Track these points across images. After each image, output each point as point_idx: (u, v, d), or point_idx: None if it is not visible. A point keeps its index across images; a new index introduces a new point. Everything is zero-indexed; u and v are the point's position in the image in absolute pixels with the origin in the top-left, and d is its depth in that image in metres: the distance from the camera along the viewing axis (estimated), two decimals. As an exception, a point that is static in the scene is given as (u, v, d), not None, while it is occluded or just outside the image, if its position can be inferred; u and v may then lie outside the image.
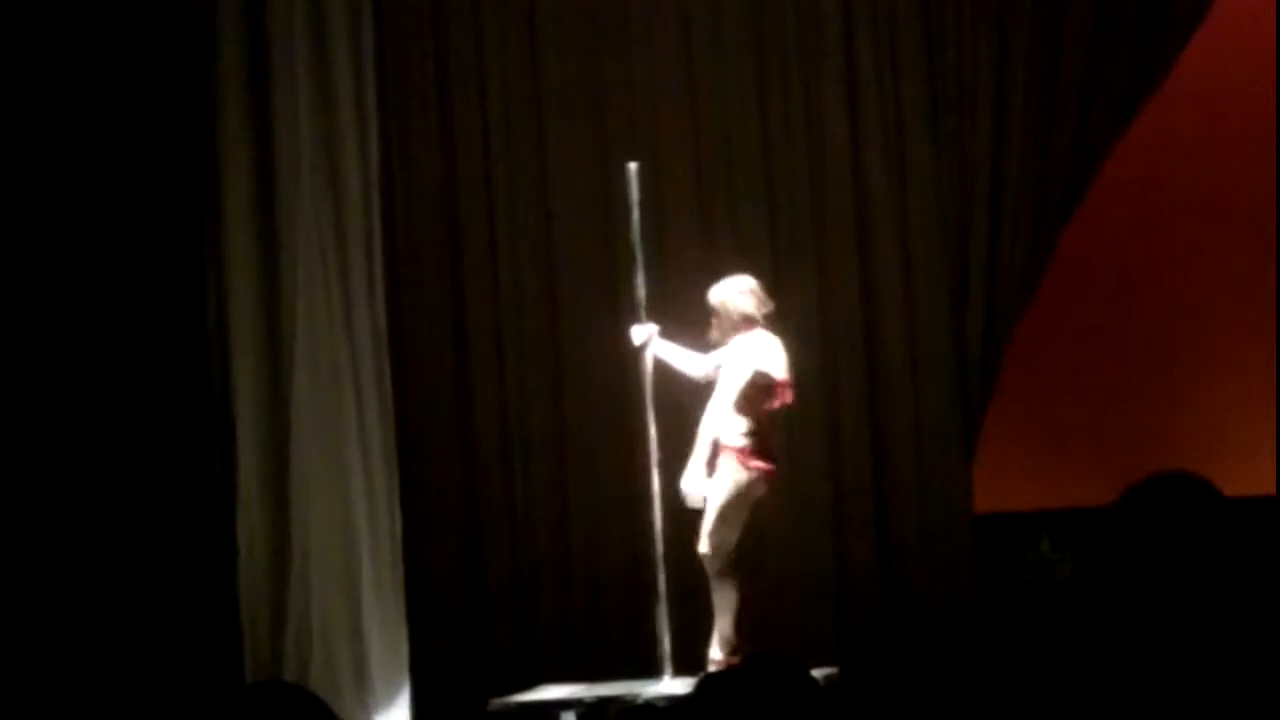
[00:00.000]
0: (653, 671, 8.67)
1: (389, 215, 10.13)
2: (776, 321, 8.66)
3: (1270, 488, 9.24)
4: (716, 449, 8.49)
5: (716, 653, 8.50)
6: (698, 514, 8.54)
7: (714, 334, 8.60)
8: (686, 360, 8.70)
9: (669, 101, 9.94)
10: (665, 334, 8.79)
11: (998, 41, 9.64)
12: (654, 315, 8.79)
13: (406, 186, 10.11)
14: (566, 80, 10.01)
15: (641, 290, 8.75)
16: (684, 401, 8.89)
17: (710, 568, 8.50)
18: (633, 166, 8.87)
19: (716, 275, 9.64)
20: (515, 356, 9.99)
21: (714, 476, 8.48)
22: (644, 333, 8.72)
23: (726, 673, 3.69)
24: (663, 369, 8.74)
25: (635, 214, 8.81)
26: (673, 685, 8.45)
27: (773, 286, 9.63)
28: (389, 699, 10.17)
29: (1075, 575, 9.96)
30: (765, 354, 8.51)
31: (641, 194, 8.87)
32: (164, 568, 9.87)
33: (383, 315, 10.21)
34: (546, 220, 10.01)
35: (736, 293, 8.61)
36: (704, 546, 8.50)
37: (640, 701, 8.39)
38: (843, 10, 9.79)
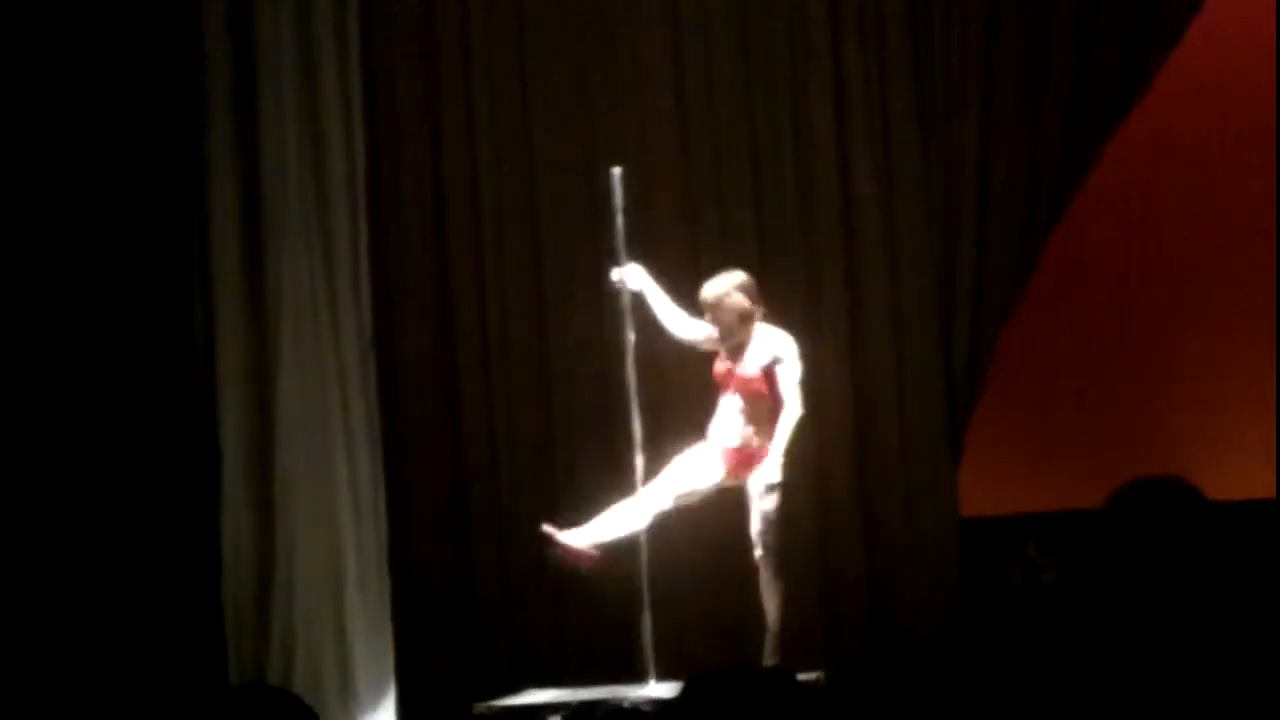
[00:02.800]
0: (638, 676, 8.66)
1: (376, 219, 10.12)
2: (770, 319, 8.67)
3: (1270, 490, 9.24)
4: (747, 456, 8.49)
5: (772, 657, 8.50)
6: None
7: (721, 333, 8.56)
8: (668, 310, 8.65)
9: (657, 105, 9.94)
10: (650, 336, 8.77)
11: (985, 45, 9.64)
12: (640, 320, 8.78)
13: (393, 190, 10.10)
14: (554, 84, 10.00)
15: (628, 296, 8.73)
16: (671, 405, 8.89)
17: (768, 569, 8.52)
18: (617, 171, 8.84)
19: (704, 279, 9.64)
20: (502, 360, 9.98)
21: (764, 483, 8.47)
22: (623, 273, 8.65)
23: (712, 677, 3.67)
24: (640, 306, 8.68)
25: (620, 219, 8.78)
26: (657, 690, 8.44)
27: (760, 290, 9.64)
28: (374, 703, 10.15)
29: (1061, 580, 9.95)
30: (794, 353, 8.51)
31: (628, 198, 8.85)
32: (148, 572, 9.84)
33: (369, 319, 10.19)
34: (534, 224, 10.01)
35: (734, 287, 8.58)
36: (760, 549, 8.50)
37: (625, 706, 8.37)
38: (830, 14, 9.79)
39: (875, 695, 3.48)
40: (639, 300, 8.66)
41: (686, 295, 9.24)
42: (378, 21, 10.12)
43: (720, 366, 8.59)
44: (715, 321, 8.55)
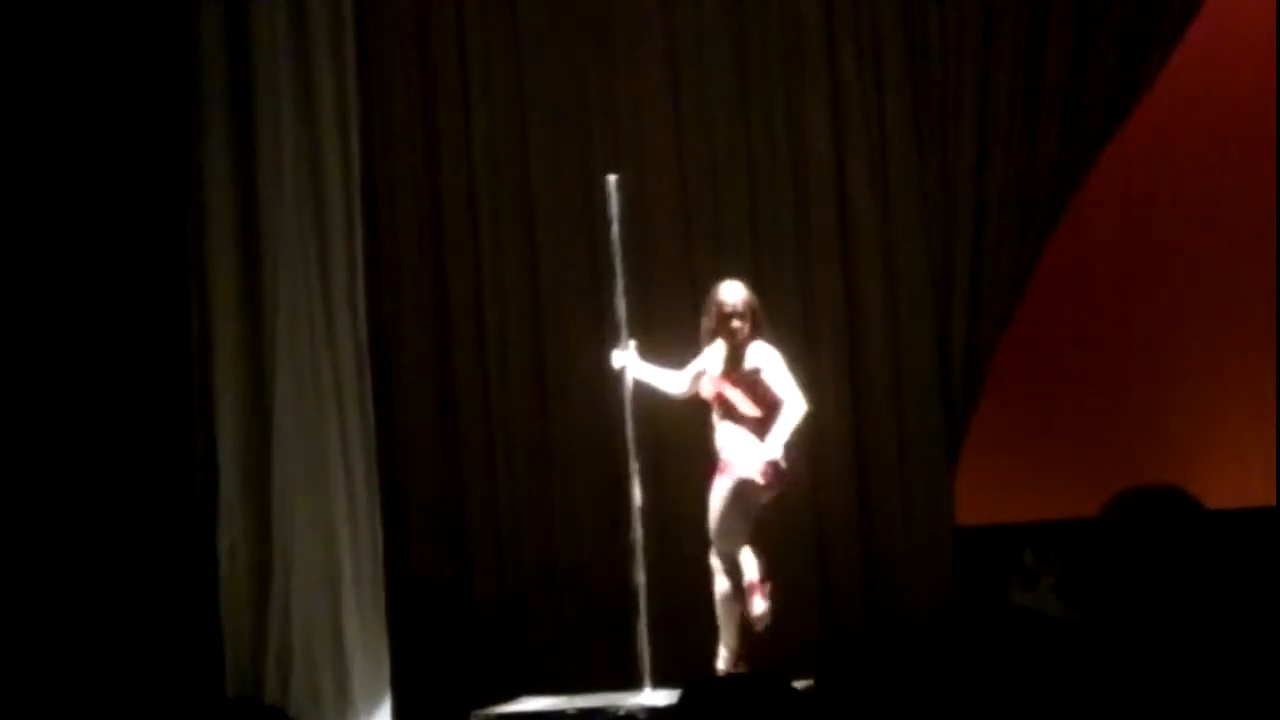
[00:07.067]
0: (634, 683, 8.66)
1: (371, 225, 10.12)
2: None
3: (1269, 499, 9.23)
4: (721, 462, 8.50)
5: (723, 664, 8.51)
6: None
7: (730, 336, 8.58)
8: (666, 379, 8.70)
9: (653, 113, 9.93)
10: (648, 346, 8.77)
11: (981, 51, 9.63)
12: (636, 328, 8.78)
13: (389, 196, 10.09)
14: (550, 91, 9.99)
15: (622, 305, 8.72)
16: (665, 414, 8.89)
17: (718, 568, 8.52)
18: (612, 179, 8.83)
19: (700, 287, 9.63)
20: (498, 366, 9.97)
21: (715, 490, 8.48)
22: (623, 358, 8.71)
23: (709, 684, 3.67)
24: (643, 388, 8.75)
25: (615, 227, 8.77)
26: (654, 697, 8.44)
27: (756, 298, 9.63)
28: (370, 710, 10.14)
29: (1058, 587, 9.95)
30: (778, 356, 8.53)
31: (624, 206, 8.84)
32: (145, 579, 9.85)
33: (365, 325, 10.19)
34: (530, 231, 10.00)
35: (752, 295, 8.63)
36: (713, 555, 8.53)
37: (622, 713, 8.38)
38: (825, 21, 9.78)
39: (865, 698, 3.47)
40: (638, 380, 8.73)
41: (684, 299, 9.24)
42: (374, 30, 10.12)
43: (715, 388, 8.56)
44: (730, 329, 8.52)
